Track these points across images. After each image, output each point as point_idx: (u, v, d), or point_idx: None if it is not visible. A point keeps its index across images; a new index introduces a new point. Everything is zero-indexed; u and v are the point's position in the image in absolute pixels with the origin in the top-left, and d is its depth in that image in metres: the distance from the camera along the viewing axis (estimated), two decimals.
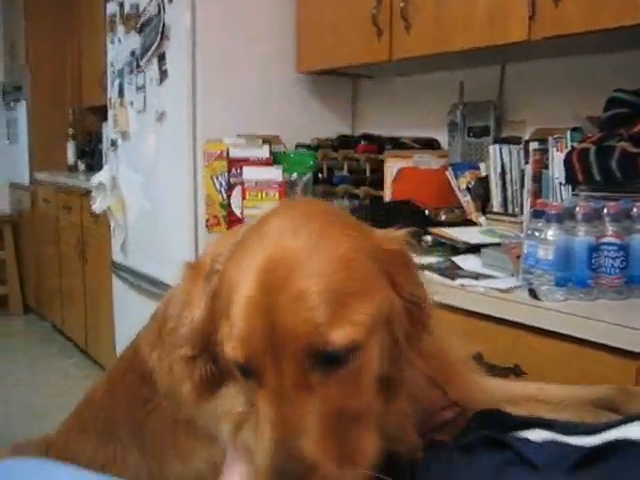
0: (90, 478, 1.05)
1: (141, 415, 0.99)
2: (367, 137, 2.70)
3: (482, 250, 1.76)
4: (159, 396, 0.91)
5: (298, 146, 2.81)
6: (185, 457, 0.96)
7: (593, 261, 1.45)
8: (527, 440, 0.77)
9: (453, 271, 1.70)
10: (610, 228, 1.47)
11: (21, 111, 5.18)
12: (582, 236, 1.45)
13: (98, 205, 3.24)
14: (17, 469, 1.08)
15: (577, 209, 1.46)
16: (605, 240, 1.46)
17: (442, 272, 1.69)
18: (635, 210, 1.49)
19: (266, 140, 2.55)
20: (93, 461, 1.09)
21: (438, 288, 1.64)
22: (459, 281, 1.61)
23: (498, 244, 1.75)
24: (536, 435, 0.79)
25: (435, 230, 1.95)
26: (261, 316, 0.64)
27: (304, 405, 0.64)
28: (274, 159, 2.51)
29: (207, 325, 0.75)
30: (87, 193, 3.76)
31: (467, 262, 1.75)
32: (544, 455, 0.71)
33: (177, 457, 0.97)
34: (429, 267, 1.73)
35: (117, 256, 3.39)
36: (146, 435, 1.00)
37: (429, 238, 1.94)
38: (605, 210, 1.48)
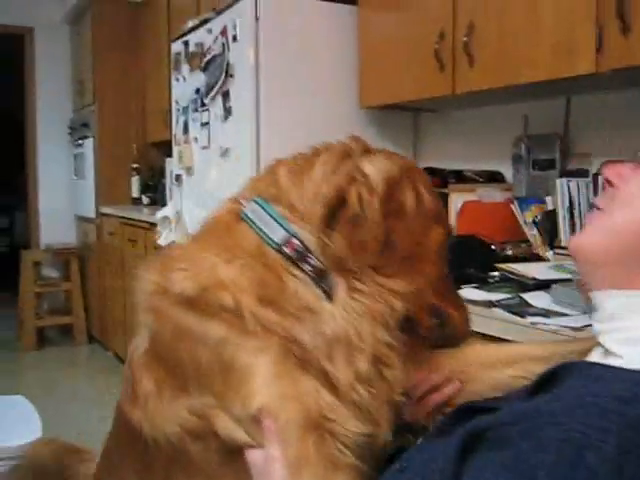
0: None
1: (143, 467, 0.99)
2: (430, 171, 2.69)
3: (552, 286, 1.72)
4: (152, 447, 0.92)
5: None
6: None
7: None
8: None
9: (522, 308, 1.66)
10: None
11: (88, 147, 5.36)
12: None
13: (164, 239, 3.31)
14: None
15: None
16: None
17: (511, 309, 1.66)
18: None
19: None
20: None
21: (508, 325, 1.62)
22: (529, 319, 1.57)
23: (569, 280, 1.71)
24: None
25: (502, 265, 1.92)
26: None
27: None
28: None
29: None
30: (151, 226, 3.84)
31: (537, 299, 1.71)
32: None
33: None
34: (497, 304, 1.70)
35: None
36: None
37: (497, 274, 1.91)
38: None
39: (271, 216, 0.87)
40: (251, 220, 0.89)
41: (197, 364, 0.86)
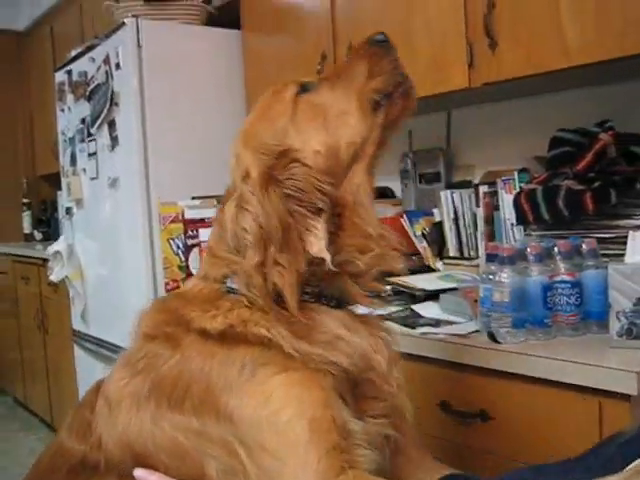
0: None
1: None
2: None
3: (441, 296, 1.77)
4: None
5: None
6: None
7: (548, 300, 1.47)
8: None
9: (413, 320, 1.70)
10: (562, 266, 1.49)
11: None
12: (535, 276, 1.46)
13: (55, 275, 3.20)
14: None
15: (528, 249, 1.48)
16: (558, 278, 1.48)
17: (403, 322, 1.68)
18: (585, 246, 1.52)
19: (220, 200, 2.54)
20: None
21: (401, 338, 1.64)
22: (419, 330, 1.61)
23: (455, 289, 1.76)
24: None
25: (393, 279, 1.95)
26: None
27: None
28: None
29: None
30: (44, 262, 3.70)
31: (427, 309, 1.75)
32: None
33: None
34: (390, 317, 1.73)
35: (78, 325, 3.33)
36: None
37: (388, 287, 1.94)
38: (556, 249, 1.50)
39: None
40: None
41: (205, 384, 0.88)
